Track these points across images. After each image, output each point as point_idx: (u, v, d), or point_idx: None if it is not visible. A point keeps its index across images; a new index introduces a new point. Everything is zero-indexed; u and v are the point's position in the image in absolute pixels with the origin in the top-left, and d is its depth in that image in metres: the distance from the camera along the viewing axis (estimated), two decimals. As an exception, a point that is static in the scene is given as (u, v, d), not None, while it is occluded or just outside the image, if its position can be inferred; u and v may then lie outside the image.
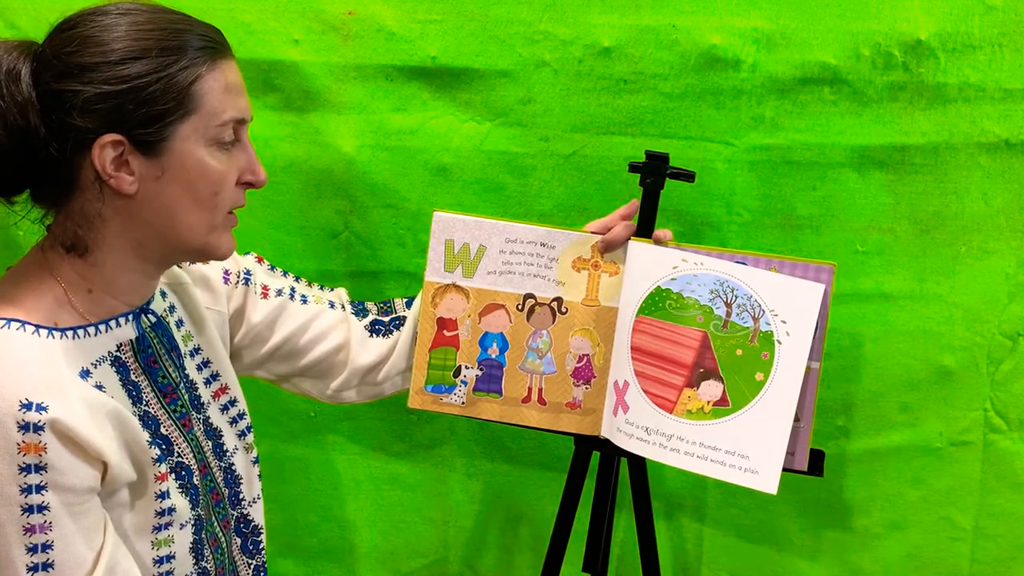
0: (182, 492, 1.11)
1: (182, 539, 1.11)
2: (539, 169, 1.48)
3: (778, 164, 1.42)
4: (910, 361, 1.47)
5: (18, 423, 0.92)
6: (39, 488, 0.94)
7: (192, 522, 1.12)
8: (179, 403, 1.14)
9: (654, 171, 1.27)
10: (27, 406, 0.92)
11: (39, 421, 0.92)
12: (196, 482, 1.14)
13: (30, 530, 0.94)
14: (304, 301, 1.32)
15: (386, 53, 1.45)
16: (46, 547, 0.95)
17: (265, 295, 1.30)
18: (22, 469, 0.93)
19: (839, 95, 1.38)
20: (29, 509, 0.94)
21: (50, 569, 0.96)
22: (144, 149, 0.99)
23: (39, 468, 0.93)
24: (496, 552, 1.67)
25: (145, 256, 1.05)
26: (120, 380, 1.06)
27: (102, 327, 1.05)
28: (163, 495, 1.07)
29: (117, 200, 1.01)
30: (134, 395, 1.08)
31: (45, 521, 0.95)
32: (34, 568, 0.95)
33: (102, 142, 0.97)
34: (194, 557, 1.13)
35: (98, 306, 1.05)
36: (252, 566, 1.27)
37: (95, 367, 1.03)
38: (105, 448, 0.98)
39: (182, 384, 1.15)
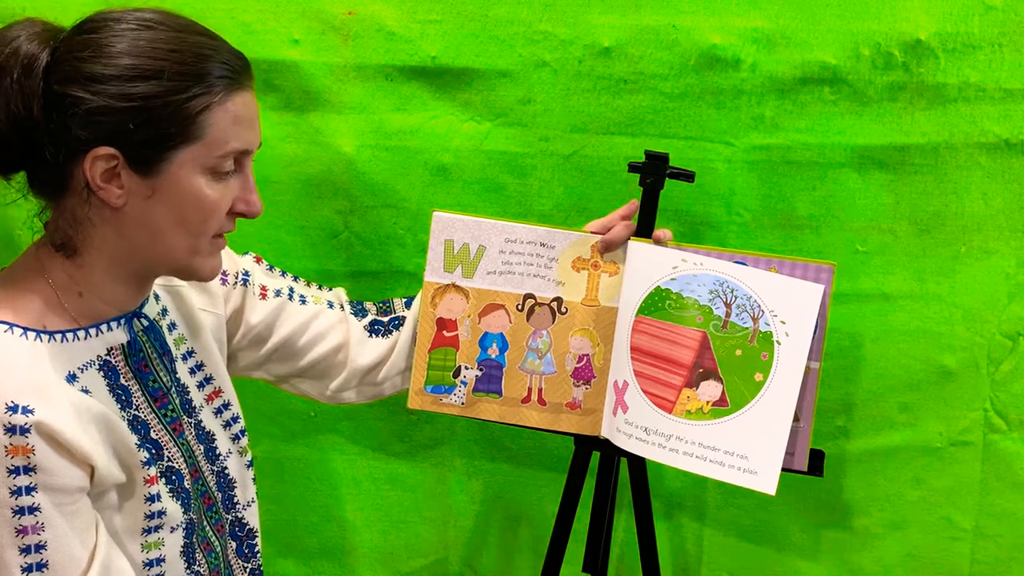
0: (172, 496, 1.10)
1: (172, 542, 1.11)
2: (539, 169, 1.48)
3: (778, 164, 1.42)
4: (910, 361, 1.46)
5: (4, 426, 0.92)
6: (29, 489, 0.93)
7: (183, 526, 1.12)
8: (170, 407, 1.13)
9: (654, 171, 1.27)
10: (13, 408, 0.92)
11: (25, 424, 0.92)
12: (187, 486, 1.13)
13: (22, 532, 0.94)
14: (303, 301, 1.32)
15: (386, 53, 1.44)
16: (40, 547, 0.95)
17: (264, 296, 1.29)
18: (11, 471, 0.92)
19: (839, 95, 1.38)
20: (20, 511, 0.94)
21: (44, 569, 0.96)
22: (138, 167, 0.98)
23: (28, 470, 0.93)
24: (496, 552, 1.67)
25: (130, 268, 1.05)
26: (108, 385, 1.06)
27: (92, 331, 1.05)
28: (152, 498, 1.07)
29: (104, 210, 1.00)
30: (123, 400, 1.07)
31: (37, 522, 0.95)
32: (28, 569, 0.95)
33: (96, 154, 0.96)
34: (185, 561, 1.13)
35: (88, 309, 1.05)
36: (248, 570, 1.27)
37: (82, 372, 1.02)
38: (91, 451, 0.98)
39: (173, 388, 1.15)
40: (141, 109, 0.95)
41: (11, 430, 0.92)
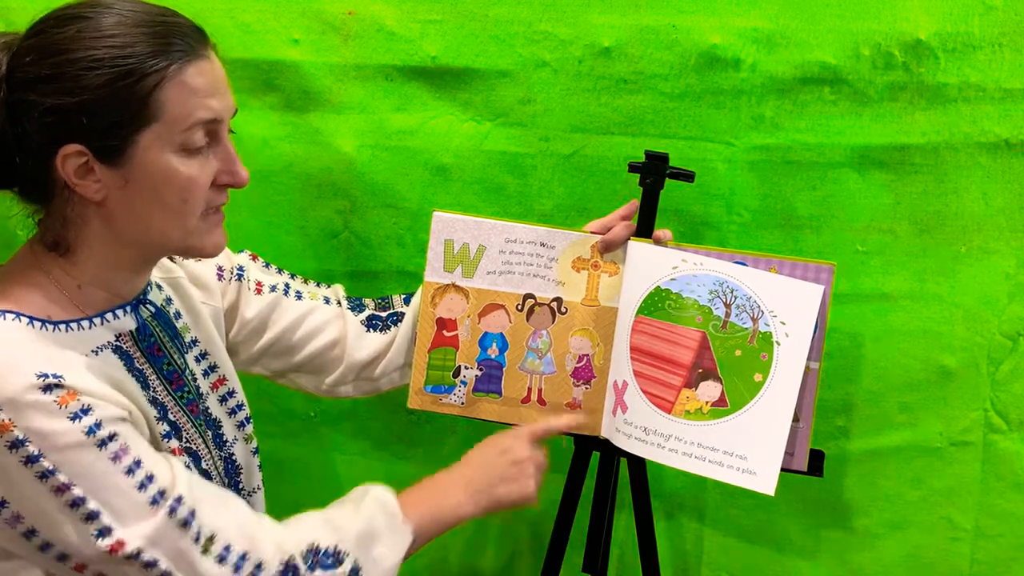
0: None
1: None
2: (539, 169, 1.48)
3: (778, 164, 1.42)
4: (910, 361, 1.46)
5: (41, 388, 0.92)
6: (98, 425, 0.94)
7: None
8: (186, 389, 1.14)
9: (654, 171, 1.27)
10: (43, 375, 0.92)
11: (60, 381, 0.93)
12: (205, 467, 1.14)
13: (117, 458, 0.95)
14: (299, 297, 1.33)
15: (386, 53, 1.45)
16: (138, 464, 0.97)
17: (259, 291, 1.30)
18: (74, 417, 0.93)
19: (839, 95, 1.38)
20: (103, 443, 0.95)
21: (154, 480, 0.97)
22: (106, 158, 0.97)
23: (85, 410, 0.94)
24: (496, 552, 1.67)
25: (128, 256, 1.05)
26: (125, 366, 1.06)
27: (97, 320, 1.05)
28: None
29: (88, 206, 1.01)
30: (141, 381, 1.08)
31: (123, 444, 0.96)
32: (142, 486, 0.96)
33: (64, 153, 0.96)
34: None
35: (89, 300, 1.05)
36: None
37: (96, 354, 1.03)
38: (123, 400, 0.99)
39: (187, 371, 1.16)
40: (90, 101, 0.95)
41: (49, 388, 0.92)
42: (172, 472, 1.00)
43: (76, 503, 0.93)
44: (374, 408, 1.60)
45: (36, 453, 0.92)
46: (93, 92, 0.95)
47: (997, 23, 1.33)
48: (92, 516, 0.94)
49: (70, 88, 0.95)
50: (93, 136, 0.96)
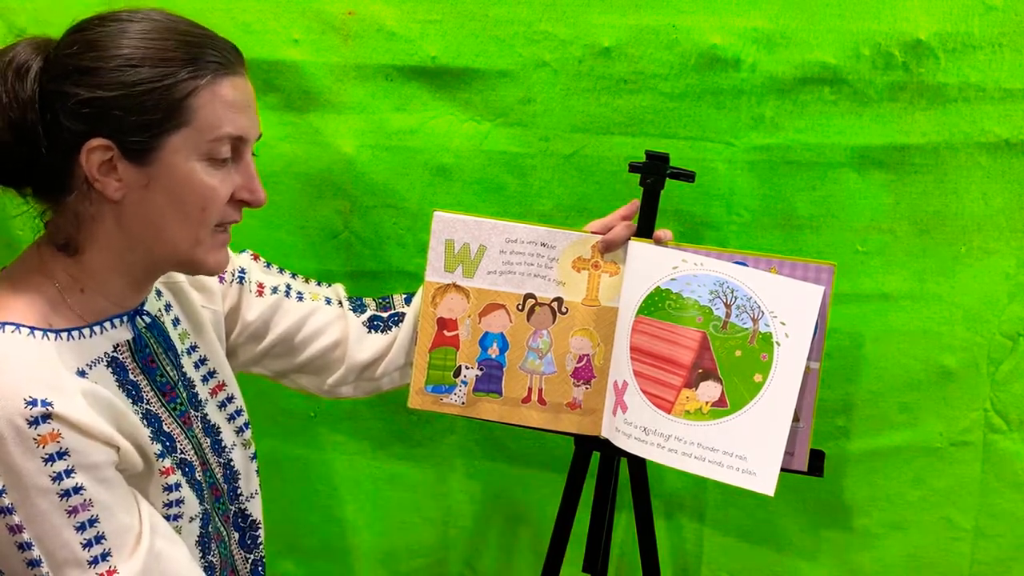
0: (189, 487, 1.12)
1: (190, 532, 1.12)
2: (539, 169, 1.48)
3: (778, 164, 1.42)
4: (910, 361, 1.46)
5: (27, 420, 0.93)
6: (68, 472, 0.95)
7: (199, 516, 1.13)
8: (178, 401, 1.14)
9: (654, 171, 1.27)
10: (32, 403, 0.93)
11: (47, 413, 0.94)
12: (199, 478, 1.15)
13: (73, 512, 0.96)
14: (300, 298, 1.33)
15: (386, 53, 1.45)
16: (93, 522, 0.98)
17: (260, 293, 1.30)
18: (47, 460, 0.94)
19: (839, 95, 1.38)
20: (66, 494, 0.96)
21: (103, 541, 0.98)
22: (132, 156, 0.99)
23: (62, 454, 0.95)
24: (496, 552, 1.67)
25: (133, 262, 1.05)
26: (117, 381, 1.07)
27: (96, 328, 1.05)
28: (171, 487, 1.08)
29: (105, 204, 1.01)
30: (134, 395, 1.08)
31: (84, 500, 0.97)
32: (88, 545, 0.98)
33: (90, 145, 0.97)
34: (201, 551, 1.14)
35: (91, 306, 1.05)
36: (250, 561, 1.27)
37: (90, 368, 1.03)
38: (112, 433, 1.00)
39: (180, 383, 1.16)
40: (127, 96, 0.97)
41: (34, 422, 0.93)
42: (133, 544, 1.01)
43: (23, 546, 0.96)
44: (374, 408, 1.60)
45: (1, 487, 0.94)
46: (129, 88, 0.97)
47: (997, 23, 1.33)
48: (34, 563, 0.96)
49: (108, 83, 0.97)
50: (123, 132, 0.98)
